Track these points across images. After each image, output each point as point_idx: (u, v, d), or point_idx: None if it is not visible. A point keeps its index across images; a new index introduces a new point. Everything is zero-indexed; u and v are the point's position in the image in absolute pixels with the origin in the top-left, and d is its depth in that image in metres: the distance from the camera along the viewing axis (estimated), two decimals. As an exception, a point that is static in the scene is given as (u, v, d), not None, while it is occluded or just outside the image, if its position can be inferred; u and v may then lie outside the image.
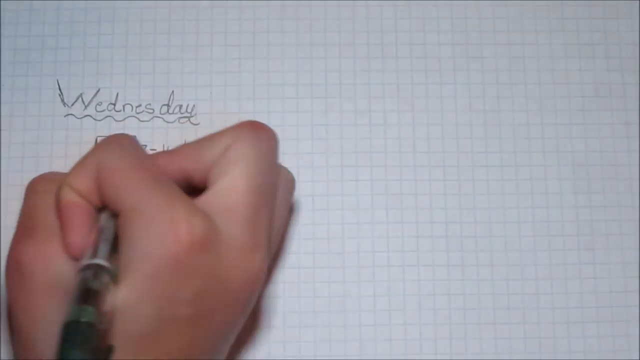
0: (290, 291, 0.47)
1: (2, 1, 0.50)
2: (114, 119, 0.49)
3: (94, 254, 0.36)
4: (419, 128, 0.49)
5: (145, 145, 0.48)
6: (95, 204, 0.39)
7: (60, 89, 0.49)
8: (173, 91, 0.49)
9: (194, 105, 0.49)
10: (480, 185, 0.48)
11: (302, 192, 0.48)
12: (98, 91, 0.49)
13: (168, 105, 0.49)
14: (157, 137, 0.49)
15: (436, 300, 0.47)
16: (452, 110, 0.49)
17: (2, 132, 0.48)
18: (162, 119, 0.49)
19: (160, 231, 0.37)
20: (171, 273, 0.36)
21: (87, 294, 0.35)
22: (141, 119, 0.49)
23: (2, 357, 0.46)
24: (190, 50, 0.50)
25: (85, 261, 0.36)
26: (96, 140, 0.49)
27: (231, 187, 0.39)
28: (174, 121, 0.49)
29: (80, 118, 0.49)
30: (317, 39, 0.50)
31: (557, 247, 0.48)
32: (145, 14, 0.50)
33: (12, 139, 0.48)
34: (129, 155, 0.39)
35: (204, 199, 0.39)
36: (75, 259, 0.38)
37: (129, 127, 0.49)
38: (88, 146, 0.48)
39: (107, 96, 0.49)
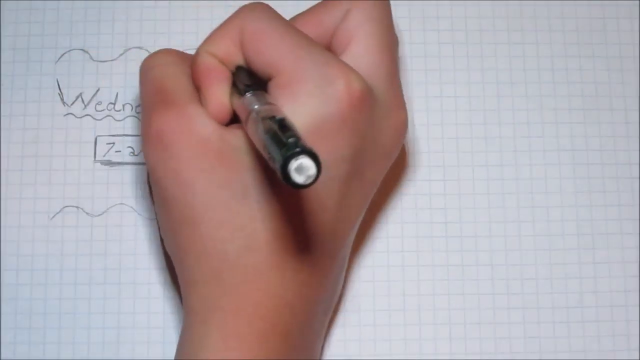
0: (289, 291, 0.47)
1: (2, 1, 0.50)
2: (114, 119, 0.49)
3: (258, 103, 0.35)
4: (419, 128, 0.49)
5: (145, 145, 0.48)
6: (232, 68, 0.39)
7: (59, 89, 0.49)
8: (173, 91, 0.49)
9: (193, 105, 0.49)
10: (480, 185, 0.48)
11: (302, 192, 0.48)
12: (98, 91, 0.49)
13: (168, 105, 0.49)
14: (156, 137, 0.49)
15: (436, 301, 0.47)
16: (452, 110, 0.49)
17: (2, 131, 0.48)
18: (162, 118, 0.49)
19: (321, 89, 0.37)
20: (336, 130, 0.37)
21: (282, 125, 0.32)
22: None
23: (2, 357, 0.46)
24: (191, 50, 0.50)
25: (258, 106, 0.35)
26: (96, 140, 0.48)
27: (367, 48, 0.40)
28: (174, 121, 0.49)
29: (80, 117, 0.49)
30: (317, 38, 0.50)
31: (557, 247, 0.48)
32: (145, 14, 0.50)
33: (12, 139, 0.48)
34: (274, 18, 0.39)
35: None
36: (219, 121, 0.38)
37: (129, 127, 0.49)
38: (88, 146, 0.48)
39: (106, 96, 0.49)
